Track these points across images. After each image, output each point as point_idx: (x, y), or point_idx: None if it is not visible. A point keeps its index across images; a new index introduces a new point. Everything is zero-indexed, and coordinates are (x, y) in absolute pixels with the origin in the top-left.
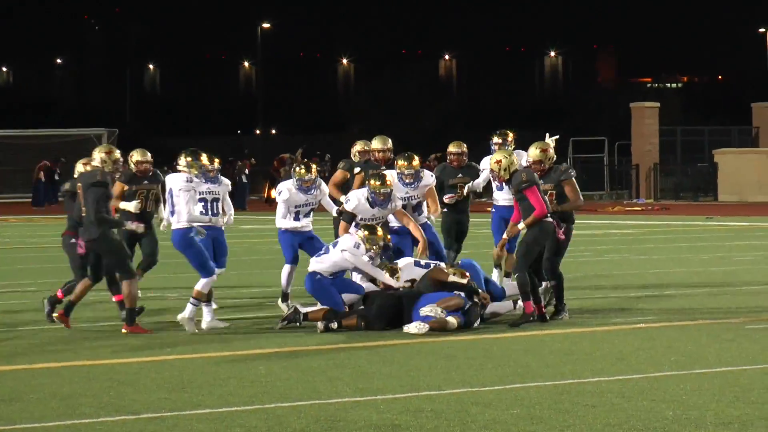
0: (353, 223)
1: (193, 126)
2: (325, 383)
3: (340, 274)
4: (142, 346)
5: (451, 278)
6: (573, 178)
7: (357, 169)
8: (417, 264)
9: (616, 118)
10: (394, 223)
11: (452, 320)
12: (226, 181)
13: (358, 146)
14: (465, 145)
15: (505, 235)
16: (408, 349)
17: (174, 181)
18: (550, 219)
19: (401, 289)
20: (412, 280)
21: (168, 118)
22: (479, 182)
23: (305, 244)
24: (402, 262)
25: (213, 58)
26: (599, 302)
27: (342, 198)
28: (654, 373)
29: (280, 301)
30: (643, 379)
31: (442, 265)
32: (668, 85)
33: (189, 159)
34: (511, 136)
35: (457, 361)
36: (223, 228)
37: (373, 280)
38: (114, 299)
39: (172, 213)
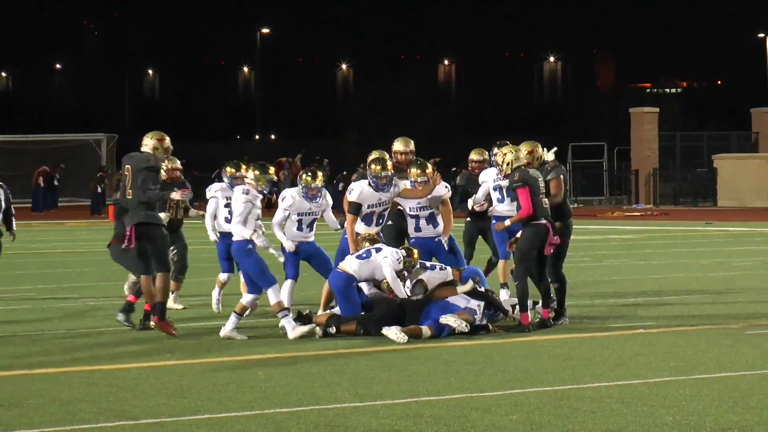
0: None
1: (192, 131)
2: (324, 389)
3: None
4: (141, 352)
5: (460, 289)
6: (561, 176)
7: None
8: (422, 265)
9: (615, 123)
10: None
11: (426, 330)
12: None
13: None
14: (486, 153)
15: (495, 228)
16: (407, 354)
17: (235, 194)
18: (543, 221)
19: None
20: (419, 280)
21: (167, 123)
22: (479, 197)
23: (312, 257)
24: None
25: (212, 63)
26: (598, 307)
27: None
28: (653, 378)
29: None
30: (643, 385)
31: (450, 272)
32: (667, 90)
33: (257, 172)
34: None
35: (456, 366)
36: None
37: (378, 285)
38: (128, 299)
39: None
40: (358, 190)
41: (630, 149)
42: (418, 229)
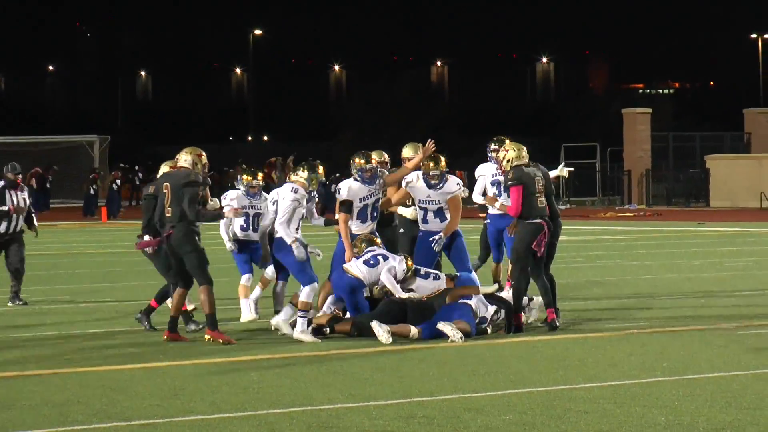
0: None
1: (185, 133)
2: (317, 390)
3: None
4: (134, 354)
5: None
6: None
7: (407, 179)
8: (417, 273)
9: (607, 124)
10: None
11: (414, 331)
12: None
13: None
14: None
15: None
16: (400, 355)
17: (282, 192)
18: (538, 220)
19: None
20: (410, 290)
21: (160, 126)
22: (477, 196)
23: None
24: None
25: (205, 65)
26: (591, 308)
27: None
28: (646, 378)
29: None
30: (636, 385)
31: (443, 281)
32: (660, 90)
33: (308, 173)
34: (507, 142)
35: (449, 367)
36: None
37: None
38: (152, 304)
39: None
40: (346, 187)
41: (623, 150)
42: (425, 221)
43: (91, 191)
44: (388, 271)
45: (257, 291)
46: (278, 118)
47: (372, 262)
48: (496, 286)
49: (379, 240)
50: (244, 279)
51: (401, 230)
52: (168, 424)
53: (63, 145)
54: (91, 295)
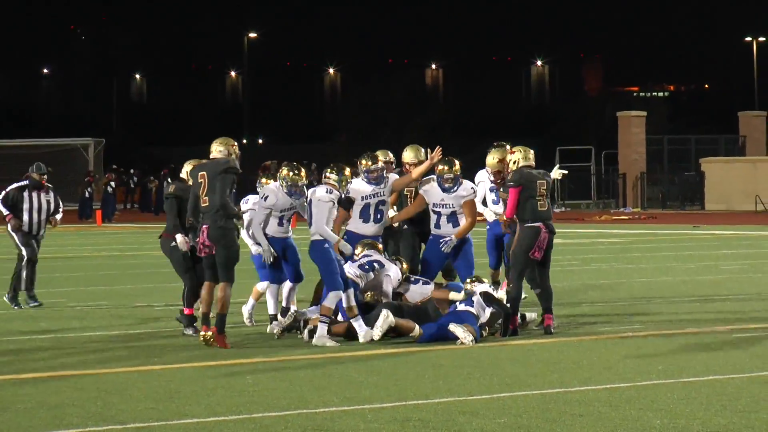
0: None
1: (180, 135)
2: (312, 393)
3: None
4: (129, 357)
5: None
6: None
7: (424, 188)
8: (408, 279)
9: (602, 127)
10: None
11: (417, 330)
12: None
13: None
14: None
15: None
16: (395, 358)
17: (317, 194)
18: (538, 224)
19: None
20: (399, 294)
21: (155, 128)
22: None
23: (287, 252)
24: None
25: (199, 67)
26: (586, 311)
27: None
28: (641, 381)
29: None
30: (631, 388)
31: (431, 288)
32: (655, 93)
33: (337, 175)
34: (507, 147)
35: (444, 370)
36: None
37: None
38: (185, 312)
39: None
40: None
41: (617, 153)
42: (438, 226)
43: (86, 194)
44: (390, 283)
45: (251, 302)
46: (273, 120)
47: (367, 267)
48: (463, 293)
49: (381, 246)
50: (261, 285)
51: (404, 227)
52: (163, 428)
53: (58, 148)
54: (87, 298)
